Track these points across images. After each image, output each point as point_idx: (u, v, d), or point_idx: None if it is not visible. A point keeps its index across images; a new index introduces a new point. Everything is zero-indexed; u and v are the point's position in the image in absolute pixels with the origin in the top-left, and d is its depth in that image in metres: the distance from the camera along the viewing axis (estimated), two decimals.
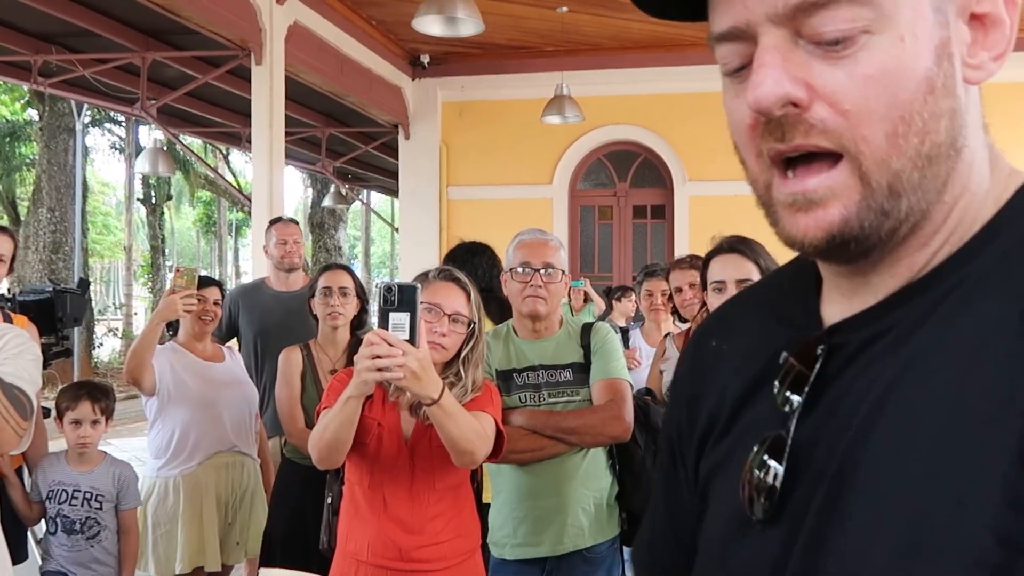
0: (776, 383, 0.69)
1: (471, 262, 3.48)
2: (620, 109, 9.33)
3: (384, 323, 2.06)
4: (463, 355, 2.36)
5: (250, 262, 8.19)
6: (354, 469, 2.35)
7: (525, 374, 2.71)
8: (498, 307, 3.21)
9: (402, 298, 2.07)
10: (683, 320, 3.82)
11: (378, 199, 25.42)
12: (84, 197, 17.73)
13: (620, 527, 2.77)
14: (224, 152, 22.54)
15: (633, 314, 6.35)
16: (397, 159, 10.17)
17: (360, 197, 18.70)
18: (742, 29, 0.63)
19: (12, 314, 3.63)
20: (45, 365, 2.86)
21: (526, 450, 2.59)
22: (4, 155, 19.42)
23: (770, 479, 0.66)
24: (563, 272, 2.75)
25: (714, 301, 2.59)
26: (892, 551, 0.56)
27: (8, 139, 19.63)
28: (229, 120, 10.58)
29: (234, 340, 4.62)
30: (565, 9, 7.74)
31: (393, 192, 16.00)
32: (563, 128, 8.78)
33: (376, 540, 2.27)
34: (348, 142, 12.24)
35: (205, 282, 3.76)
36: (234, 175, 24.82)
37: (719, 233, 2.74)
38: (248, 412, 3.88)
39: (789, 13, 0.60)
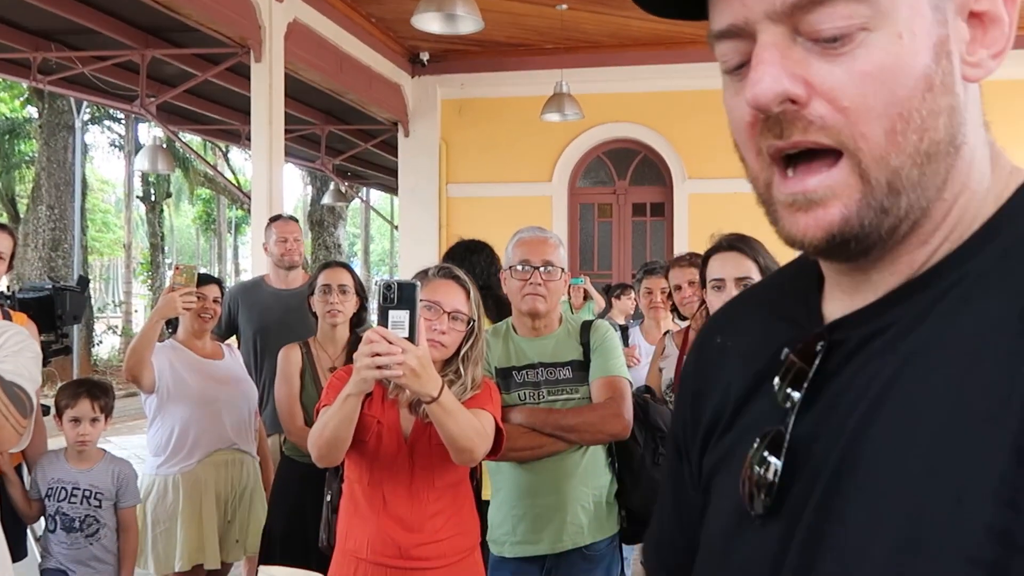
0: (777, 379, 0.69)
1: (469, 260, 3.47)
2: (620, 107, 9.32)
3: (383, 321, 2.06)
4: (462, 353, 2.37)
5: (250, 260, 8.20)
6: (353, 467, 2.35)
7: (524, 372, 2.71)
8: (495, 305, 3.21)
9: (401, 296, 2.07)
10: (682, 318, 3.82)
11: (377, 197, 25.39)
12: (83, 195, 17.73)
13: (619, 525, 2.77)
14: (223, 149, 22.55)
15: (632, 312, 6.35)
16: (396, 157, 10.16)
17: (359, 195, 18.70)
18: (741, 27, 0.63)
19: (11, 312, 3.63)
20: (44, 363, 2.86)
21: (525, 448, 2.59)
22: (3, 152, 19.42)
23: (770, 475, 0.66)
24: (562, 270, 2.75)
25: (713, 299, 2.59)
26: (890, 547, 0.56)
27: (7, 136, 19.63)
28: (228, 117, 10.58)
29: (233, 338, 4.62)
30: (564, 6, 7.74)
31: (392, 190, 16.01)
32: (563, 126, 8.78)
33: (375, 538, 2.27)
34: (347, 139, 12.23)
35: (204, 280, 3.75)
36: (233, 172, 24.81)
37: (718, 231, 2.73)
38: (247, 410, 3.87)
39: (787, 10, 0.61)
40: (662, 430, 2.79)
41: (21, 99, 19.53)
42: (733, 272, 2.54)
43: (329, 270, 3.59)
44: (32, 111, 18.70)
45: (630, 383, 2.74)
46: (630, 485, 2.77)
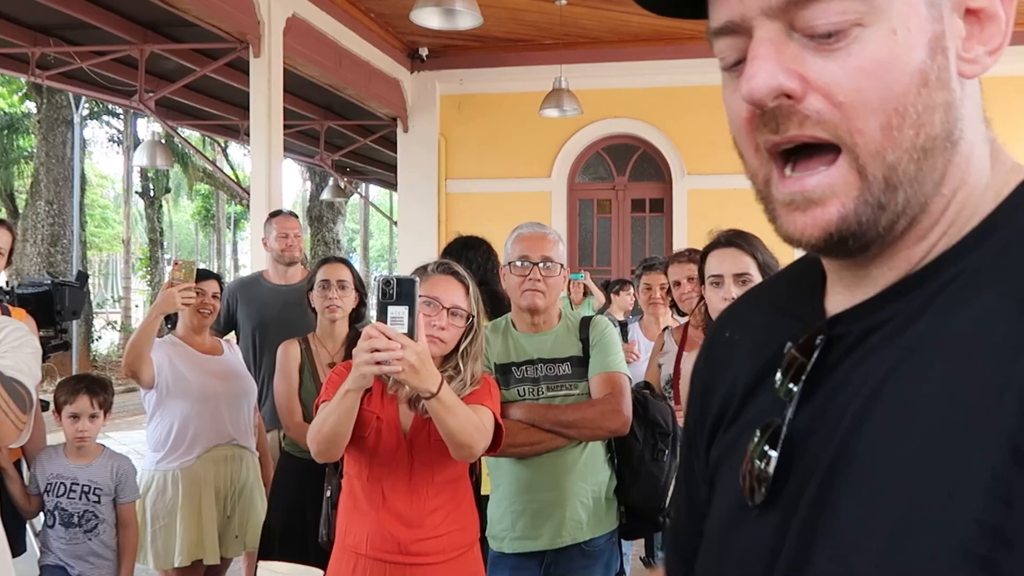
0: (779, 373, 0.70)
1: (466, 256, 3.48)
2: (619, 102, 9.31)
3: (383, 316, 2.06)
4: (462, 348, 2.37)
5: (248, 255, 8.19)
6: (353, 462, 2.35)
7: (524, 368, 2.71)
8: (490, 300, 3.22)
9: (400, 291, 2.07)
10: (681, 314, 3.82)
11: (376, 192, 25.38)
12: (82, 190, 17.71)
13: (618, 520, 2.77)
14: (222, 145, 22.55)
15: (631, 308, 6.35)
16: (396, 152, 10.16)
17: (358, 190, 18.67)
18: (737, 23, 0.64)
19: (10, 307, 3.63)
20: (44, 358, 2.86)
21: (525, 444, 2.59)
22: (2, 148, 19.39)
23: (770, 469, 0.67)
24: (561, 266, 2.75)
25: (711, 295, 2.59)
26: (883, 541, 0.57)
27: (6, 132, 19.60)
28: (227, 113, 10.57)
29: (232, 333, 4.62)
30: (564, 2, 7.73)
31: (392, 185, 16.00)
32: (562, 121, 8.77)
33: (375, 533, 2.27)
34: (346, 135, 12.23)
35: (203, 275, 3.75)
36: (232, 168, 24.81)
37: (717, 227, 2.74)
38: (247, 405, 3.88)
39: (782, 6, 0.61)
40: (661, 426, 2.79)
41: (19, 94, 19.52)
42: (731, 268, 2.54)
43: (328, 265, 3.59)
44: (30, 106, 18.67)
45: (629, 379, 2.74)
46: (629, 481, 2.77)
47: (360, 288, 3.63)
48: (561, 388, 2.69)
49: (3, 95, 19.88)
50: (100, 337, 18.88)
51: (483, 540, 2.65)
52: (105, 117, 22.53)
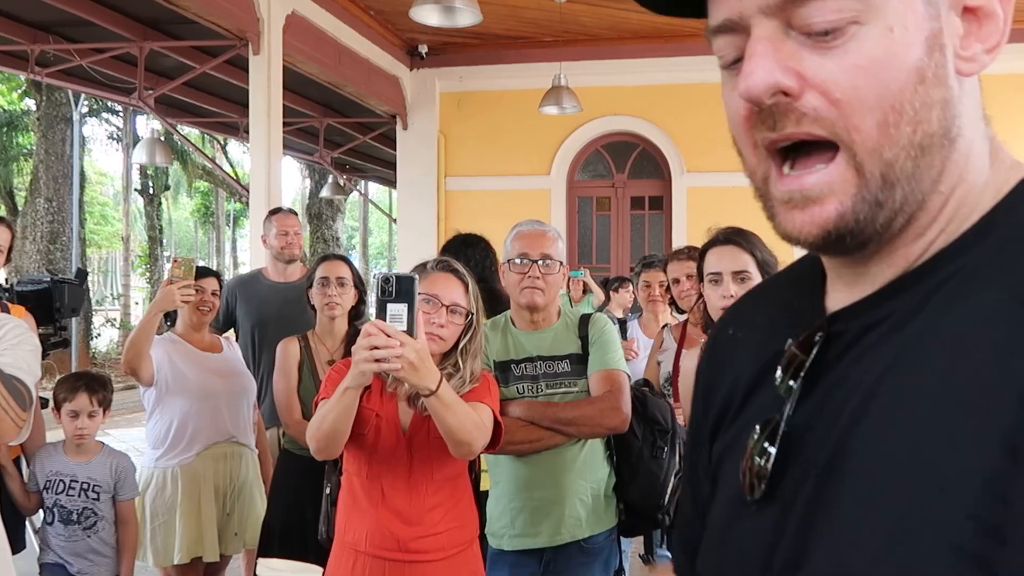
0: (779, 370, 0.70)
1: (464, 253, 3.48)
2: (618, 100, 9.31)
3: (382, 314, 2.06)
4: (461, 346, 2.37)
5: (248, 253, 8.19)
6: (352, 460, 2.35)
7: (523, 365, 2.71)
8: (488, 298, 3.22)
9: (400, 289, 2.07)
10: (681, 311, 3.82)
11: (376, 190, 25.36)
12: (82, 187, 17.70)
13: (617, 518, 2.77)
14: (222, 142, 22.52)
15: (631, 305, 6.35)
16: (395, 149, 10.15)
17: (358, 188, 18.66)
18: (735, 21, 0.64)
19: (10, 304, 3.63)
20: (43, 355, 2.86)
21: (524, 441, 2.59)
22: (1, 145, 19.36)
23: (769, 465, 0.67)
24: (561, 263, 2.75)
25: (710, 293, 2.59)
26: (878, 536, 0.57)
27: (5, 129, 19.57)
28: (227, 110, 10.56)
29: (231, 331, 4.62)
30: None
31: (391, 183, 15.99)
32: (561, 119, 8.76)
33: (374, 531, 2.27)
34: (346, 132, 12.22)
35: (203, 272, 3.75)
36: (232, 165, 24.80)
37: (716, 225, 2.74)
38: (246, 403, 3.88)
39: (780, 5, 0.62)
40: (660, 423, 2.79)
41: (19, 91, 19.49)
42: (730, 266, 2.54)
43: (327, 263, 3.59)
44: (30, 103, 18.64)
45: (628, 376, 2.74)
46: (628, 478, 2.77)
47: (359, 285, 3.63)
48: (560, 385, 2.69)
49: (2, 92, 19.85)
50: (99, 334, 18.88)
51: (483, 537, 2.66)
52: (104, 114, 22.52)
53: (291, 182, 32.60)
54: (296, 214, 4.88)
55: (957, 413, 0.57)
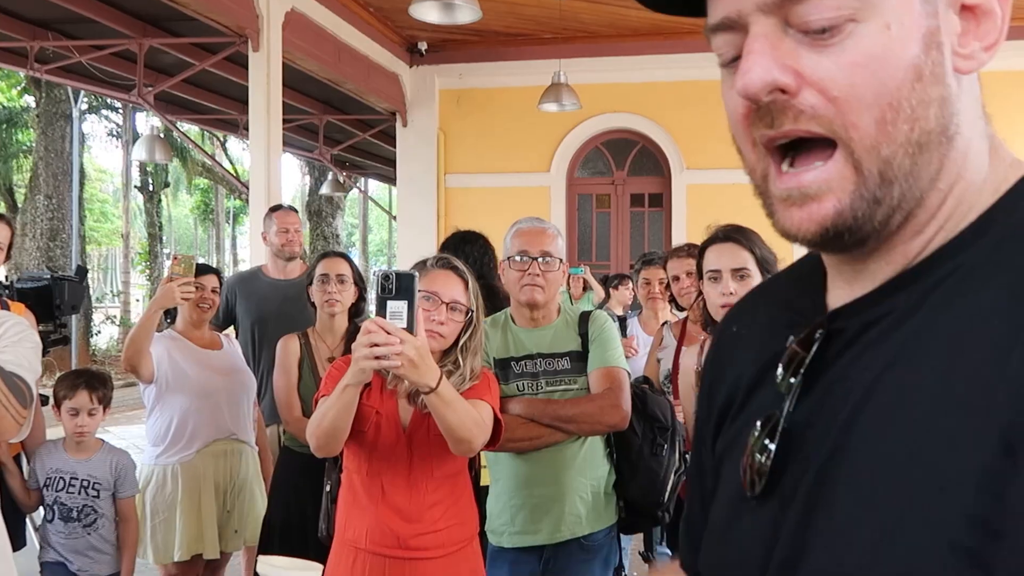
0: (780, 367, 0.70)
1: (463, 250, 3.48)
2: (618, 97, 9.31)
3: (382, 311, 2.06)
4: (461, 343, 2.37)
5: (248, 250, 8.19)
6: (352, 457, 2.36)
7: (523, 362, 2.71)
8: (487, 295, 3.22)
9: (400, 286, 2.07)
10: (680, 309, 3.82)
11: (376, 187, 25.39)
12: (81, 184, 17.70)
13: (617, 515, 2.77)
14: (221, 139, 22.50)
15: (630, 302, 6.35)
16: (395, 147, 10.15)
17: (358, 185, 18.67)
18: (734, 19, 0.65)
19: (10, 301, 3.63)
20: (43, 353, 2.86)
21: (524, 438, 2.59)
22: (1, 142, 19.36)
23: (768, 461, 0.68)
24: (561, 261, 2.75)
25: (709, 290, 2.59)
26: (875, 533, 0.58)
27: (5, 126, 19.57)
28: (226, 107, 10.56)
29: (231, 328, 4.62)
30: None
31: (391, 180, 15.99)
32: (561, 116, 8.76)
33: (374, 528, 2.27)
34: (346, 129, 12.22)
35: (203, 270, 3.75)
36: (231, 162, 24.78)
37: (715, 222, 2.74)
38: (246, 400, 3.88)
39: (778, 2, 0.62)
40: (660, 421, 2.79)
41: (18, 88, 19.47)
42: (729, 263, 2.54)
43: (327, 260, 3.59)
44: (29, 100, 18.63)
45: (628, 374, 2.75)
46: (628, 476, 2.77)
47: (359, 283, 3.63)
48: (560, 383, 2.69)
49: (2, 89, 19.85)
50: (99, 332, 18.89)
51: (483, 534, 2.66)
52: (104, 111, 22.50)
53: (291, 179, 32.56)
54: (296, 211, 4.88)
55: (955, 411, 0.57)
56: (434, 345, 2.26)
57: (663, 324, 4.08)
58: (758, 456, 0.69)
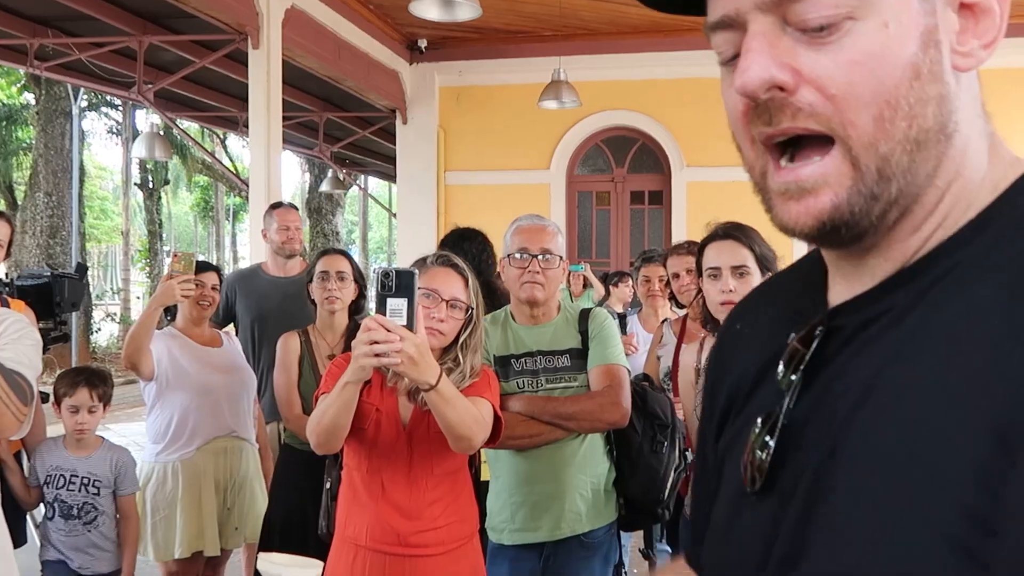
0: (781, 365, 0.71)
1: (461, 247, 3.48)
2: (617, 94, 9.30)
3: (382, 308, 2.06)
4: (461, 341, 2.37)
5: (247, 247, 8.19)
6: (352, 454, 2.36)
7: (523, 360, 2.71)
8: (485, 292, 3.22)
9: (400, 283, 2.07)
10: (680, 306, 3.82)
11: (376, 184, 25.39)
12: (81, 181, 17.68)
13: (617, 512, 2.78)
14: (221, 137, 22.49)
15: (630, 300, 6.36)
16: (395, 144, 10.15)
17: (358, 182, 18.66)
18: (732, 18, 0.65)
19: (10, 299, 3.63)
20: (43, 350, 2.87)
21: (524, 436, 2.60)
22: (1, 139, 19.35)
23: (768, 458, 0.68)
24: (561, 258, 2.75)
25: (709, 288, 2.59)
26: (872, 530, 0.58)
27: (4, 123, 19.57)
28: (226, 104, 10.56)
29: (231, 325, 4.62)
30: None
31: (391, 177, 15.98)
32: (560, 113, 8.76)
33: (374, 525, 2.28)
34: (345, 127, 12.21)
35: (203, 267, 3.75)
36: (231, 160, 24.77)
37: (715, 219, 2.74)
38: (246, 397, 3.88)
39: (776, 0, 0.62)
40: (660, 418, 2.80)
41: (18, 85, 19.46)
42: (729, 260, 2.54)
43: (327, 257, 3.59)
44: (29, 98, 18.62)
45: (628, 371, 2.75)
46: (628, 473, 2.78)
47: (359, 280, 3.63)
48: (560, 380, 2.69)
49: (2, 86, 19.83)
50: (99, 329, 18.88)
51: (483, 532, 2.66)
52: (104, 108, 22.47)
53: (291, 176, 32.56)
54: (297, 209, 4.87)
55: (952, 409, 0.57)
56: (434, 343, 2.26)
57: (663, 321, 4.08)
58: (759, 453, 0.69)
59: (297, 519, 3.36)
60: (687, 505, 2.88)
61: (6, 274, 4.38)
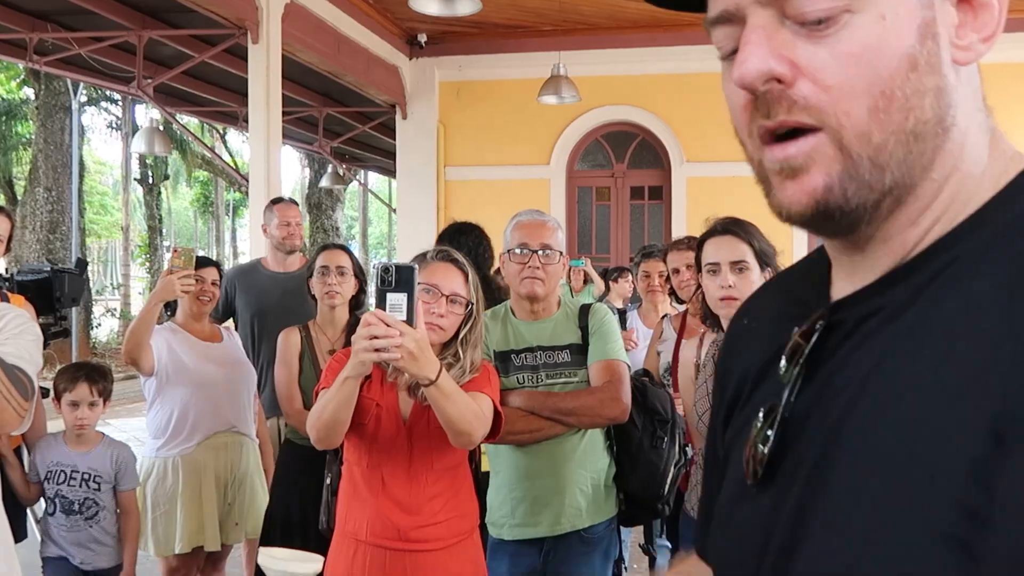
0: (783, 358, 0.71)
1: (458, 241, 3.49)
2: (617, 89, 9.30)
3: (382, 304, 2.06)
4: (461, 336, 2.37)
5: (247, 242, 8.19)
6: (352, 449, 2.36)
7: (523, 355, 2.71)
8: (482, 286, 3.22)
9: (400, 279, 2.07)
10: (680, 301, 3.82)
11: (375, 179, 25.35)
12: (81, 176, 17.67)
13: (617, 508, 2.78)
14: (221, 132, 22.49)
15: (630, 295, 6.36)
16: (394, 139, 10.15)
17: (357, 177, 18.66)
18: (732, 12, 0.65)
19: (10, 294, 3.63)
20: (44, 345, 2.87)
21: (524, 431, 2.60)
22: (0, 134, 19.34)
23: (767, 450, 0.69)
24: (561, 253, 2.75)
25: (708, 283, 2.59)
26: (868, 523, 0.58)
27: (4, 118, 19.54)
28: (226, 99, 10.55)
29: (230, 321, 4.61)
30: None
31: (391, 172, 15.98)
32: (560, 108, 8.76)
33: (375, 520, 2.28)
34: (345, 122, 12.21)
35: (203, 262, 3.75)
36: (231, 155, 24.77)
37: (714, 215, 2.74)
38: (246, 392, 3.88)
39: None
40: (660, 413, 2.80)
41: (17, 80, 19.45)
42: (728, 256, 2.54)
43: (327, 252, 3.59)
44: (28, 92, 18.61)
45: (628, 367, 2.75)
46: (628, 468, 2.78)
47: (359, 275, 3.63)
48: (560, 376, 2.70)
49: (1, 81, 19.82)
50: (99, 324, 18.88)
51: (483, 527, 2.66)
52: (103, 103, 22.47)
53: (290, 171, 32.56)
54: (297, 204, 4.87)
55: (946, 401, 0.58)
56: (434, 338, 2.26)
57: (663, 317, 4.08)
58: (760, 446, 0.70)
59: (298, 514, 3.37)
60: (687, 501, 2.88)
61: (6, 269, 4.38)
